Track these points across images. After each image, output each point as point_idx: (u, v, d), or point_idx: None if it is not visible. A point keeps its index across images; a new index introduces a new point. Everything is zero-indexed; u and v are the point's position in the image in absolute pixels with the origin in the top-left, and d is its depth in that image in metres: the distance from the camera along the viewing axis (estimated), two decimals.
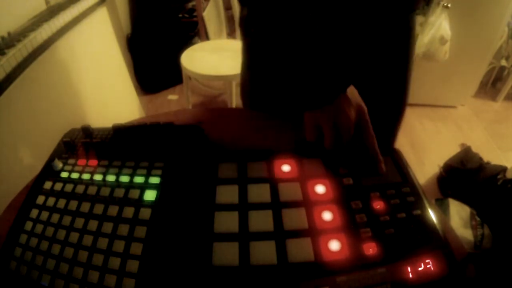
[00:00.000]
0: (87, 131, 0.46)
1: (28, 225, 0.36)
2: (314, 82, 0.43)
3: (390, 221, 0.33)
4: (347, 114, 0.39)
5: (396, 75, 0.58)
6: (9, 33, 0.80)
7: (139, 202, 0.36)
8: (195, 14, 1.94)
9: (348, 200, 0.35)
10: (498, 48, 1.81)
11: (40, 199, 0.38)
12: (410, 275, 0.29)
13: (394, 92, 0.60)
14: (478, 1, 1.51)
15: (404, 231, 0.32)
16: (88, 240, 0.33)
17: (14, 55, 0.75)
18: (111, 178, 0.39)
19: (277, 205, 0.35)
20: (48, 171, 0.41)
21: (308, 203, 0.35)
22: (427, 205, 0.35)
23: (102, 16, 1.25)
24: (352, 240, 0.32)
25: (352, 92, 0.42)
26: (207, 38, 1.82)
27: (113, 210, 0.35)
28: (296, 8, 0.43)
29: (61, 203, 0.37)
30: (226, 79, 1.39)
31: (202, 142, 0.45)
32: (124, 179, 0.38)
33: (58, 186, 0.39)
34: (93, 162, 0.41)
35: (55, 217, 0.35)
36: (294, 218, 0.34)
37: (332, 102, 0.40)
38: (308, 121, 0.43)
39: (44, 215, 0.36)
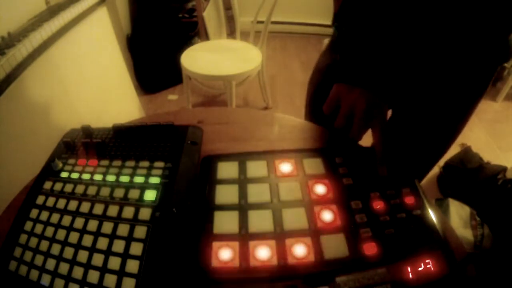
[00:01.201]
0: (87, 131, 0.46)
1: (28, 225, 0.36)
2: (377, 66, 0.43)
3: (390, 221, 0.33)
4: (365, 107, 0.40)
5: (457, 115, 0.57)
6: (9, 33, 0.80)
7: (139, 202, 0.36)
8: (195, 14, 1.94)
9: (348, 200, 0.35)
10: None
11: (40, 199, 0.38)
12: (410, 275, 0.29)
13: (446, 130, 0.58)
14: None
15: (404, 231, 0.32)
16: (88, 240, 0.33)
17: (14, 55, 0.75)
18: (111, 178, 0.39)
19: (277, 205, 0.35)
20: (48, 171, 0.41)
21: (308, 203, 0.35)
22: (427, 205, 0.35)
23: (102, 16, 1.25)
24: (352, 240, 0.32)
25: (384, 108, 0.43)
26: (207, 38, 1.82)
27: (113, 210, 0.35)
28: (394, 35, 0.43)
29: (61, 203, 0.37)
30: (226, 79, 1.39)
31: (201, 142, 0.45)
32: (124, 179, 0.38)
33: (58, 186, 0.39)
34: (93, 162, 0.41)
35: (55, 217, 0.35)
36: (294, 218, 0.34)
37: (369, 87, 0.42)
38: (333, 92, 0.45)
39: (44, 215, 0.36)
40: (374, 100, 0.41)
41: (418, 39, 0.47)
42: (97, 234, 0.33)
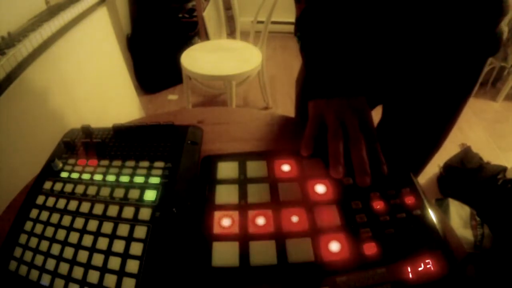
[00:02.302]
0: (87, 131, 0.46)
1: (28, 225, 0.36)
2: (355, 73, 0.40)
3: (390, 221, 0.33)
4: (354, 115, 0.38)
5: (448, 109, 0.55)
6: (9, 33, 0.80)
7: (139, 202, 0.36)
8: (195, 14, 1.94)
9: (348, 200, 0.35)
10: None
11: (40, 199, 0.38)
12: (410, 275, 0.29)
13: (437, 124, 0.58)
14: None
15: (404, 231, 0.32)
16: (88, 240, 0.33)
17: (14, 55, 0.75)
18: (111, 178, 0.39)
19: (277, 205, 0.35)
20: (48, 171, 0.41)
21: (308, 203, 0.35)
22: (427, 205, 0.35)
23: (102, 16, 1.25)
24: (352, 240, 0.32)
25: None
26: (207, 38, 1.82)
27: (113, 210, 0.35)
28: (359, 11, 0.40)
29: (61, 203, 0.37)
30: (226, 79, 1.39)
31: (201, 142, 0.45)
32: (124, 179, 0.38)
33: (58, 186, 0.39)
34: (93, 162, 0.41)
35: (55, 217, 0.35)
36: (293, 219, 0.34)
37: (350, 94, 0.38)
38: (312, 111, 0.40)
39: (44, 215, 0.36)
40: (356, 107, 0.38)
41: (402, 34, 0.45)
42: (97, 234, 0.33)
